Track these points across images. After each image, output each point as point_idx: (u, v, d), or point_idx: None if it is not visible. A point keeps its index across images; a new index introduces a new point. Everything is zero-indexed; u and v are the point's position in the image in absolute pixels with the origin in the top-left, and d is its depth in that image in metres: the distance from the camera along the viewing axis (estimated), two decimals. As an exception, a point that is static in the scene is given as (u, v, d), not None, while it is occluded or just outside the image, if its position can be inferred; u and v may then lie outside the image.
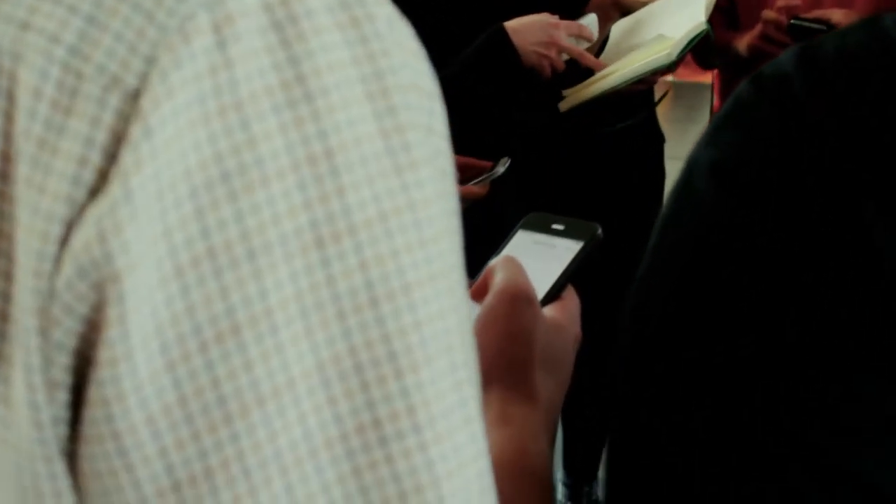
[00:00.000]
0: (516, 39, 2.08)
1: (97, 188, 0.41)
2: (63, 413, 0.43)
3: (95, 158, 0.41)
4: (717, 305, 0.50)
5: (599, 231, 0.89)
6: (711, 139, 0.53)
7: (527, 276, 0.80)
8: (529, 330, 0.78)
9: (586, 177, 2.33)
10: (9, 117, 0.42)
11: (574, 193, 2.25)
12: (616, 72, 2.13)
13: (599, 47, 2.28)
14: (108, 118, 0.41)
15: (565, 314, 0.84)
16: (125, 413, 0.42)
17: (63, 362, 0.42)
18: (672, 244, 0.53)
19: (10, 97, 0.42)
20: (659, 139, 2.53)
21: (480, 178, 1.97)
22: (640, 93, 2.28)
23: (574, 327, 0.84)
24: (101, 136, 0.41)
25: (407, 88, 0.45)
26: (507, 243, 0.91)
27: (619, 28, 2.27)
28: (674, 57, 2.06)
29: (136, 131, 0.41)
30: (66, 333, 0.42)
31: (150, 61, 0.41)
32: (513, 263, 0.81)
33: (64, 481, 0.43)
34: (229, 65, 0.42)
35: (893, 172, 0.47)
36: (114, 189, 0.41)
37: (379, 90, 0.45)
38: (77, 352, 0.42)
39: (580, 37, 2.15)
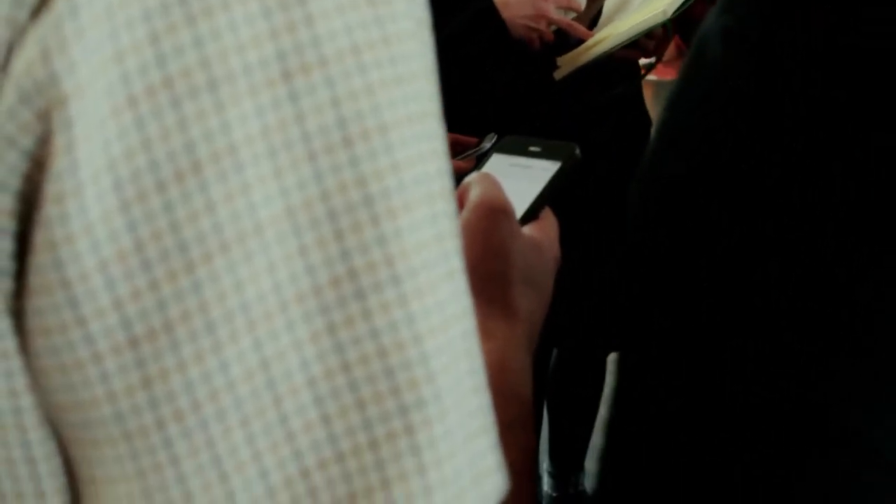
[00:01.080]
0: (506, 13, 2.07)
1: (40, 7, 0.38)
2: (7, 264, 0.39)
3: None
4: (737, 170, 0.47)
5: (577, 151, 0.86)
6: (723, 8, 0.51)
7: (502, 191, 0.77)
8: (507, 244, 0.76)
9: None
10: None
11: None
12: (611, 35, 2.11)
13: (592, 21, 2.26)
14: None
15: (544, 233, 0.81)
16: (75, 257, 0.38)
17: (6, 205, 0.39)
18: (685, 111, 0.50)
19: None
20: (646, 118, 2.51)
21: (466, 154, 1.95)
22: (627, 65, 2.26)
23: (553, 247, 0.81)
24: None
25: None
26: (482, 166, 0.89)
27: (611, 1, 2.25)
28: (669, 14, 2.04)
29: None
30: (10, 171, 0.38)
31: None
32: (489, 178, 0.78)
33: (9, 341, 0.40)
34: None
35: None
36: (58, 4, 0.37)
37: None
38: (21, 195, 0.39)
39: (569, 8, 2.14)
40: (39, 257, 0.39)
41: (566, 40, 2.15)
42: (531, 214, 0.84)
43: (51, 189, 0.38)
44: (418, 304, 0.42)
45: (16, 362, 0.40)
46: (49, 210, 0.38)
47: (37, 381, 0.41)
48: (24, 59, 0.37)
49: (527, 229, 0.81)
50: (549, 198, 0.85)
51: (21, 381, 0.40)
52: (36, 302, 0.39)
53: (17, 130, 0.38)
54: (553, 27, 2.11)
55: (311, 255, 0.40)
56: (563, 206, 0.89)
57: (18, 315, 0.40)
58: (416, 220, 0.42)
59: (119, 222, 0.39)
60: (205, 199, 0.39)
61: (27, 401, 0.41)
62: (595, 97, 2.25)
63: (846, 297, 0.45)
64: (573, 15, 2.15)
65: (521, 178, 0.86)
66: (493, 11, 2.06)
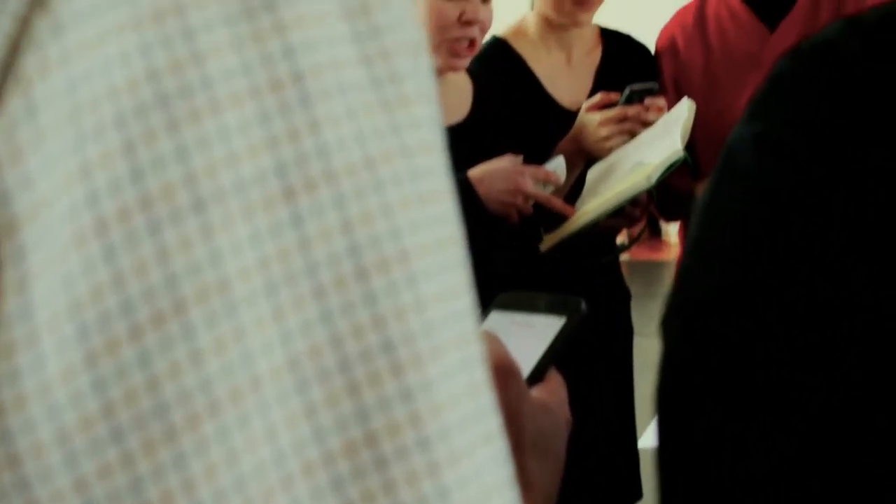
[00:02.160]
0: (481, 189, 2.04)
1: None
2: None
3: None
4: (782, 282, 0.43)
5: (583, 305, 0.81)
6: (752, 115, 0.47)
7: (506, 349, 0.70)
8: (517, 408, 0.68)
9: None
10: None
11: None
12: (596, 205, 2.08)
13: (573, 192, 2.24)
14: (5, 25, 0.31)
15: (553, 395, 0.74)
16: (26, 427, 0.31)
17: None
18: (719, 227, 0.46)
19: None
20: (625, 292, 2.48)
21: None
22: (607, 238, 2.25)
23: (563, 409, 0.74)
24: None
25: (391, 5, 0.36)
26: (480, 324, 0.82)
27: (594, 172, 2.24)
28: (653, 181, 2.02)
29: (41, 26, 0.31)
30: None
31: None
32: (492, 337, 0.72)
33: None
34: None
35: None
36: (11, 102, 0.30)
37: (359, 6, 0.35)
38: None
39: (547, 181, 2.11)
40: None
41: (549, 210, 2.12)
42: (537, 375, 0.78)
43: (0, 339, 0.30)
44: (453, 474, 0.34)
45: None
46: None
47: None
48: None
49: (534, 391, 0.75)
50: (554, 357, 0.79)
51: None
52: None
53: None
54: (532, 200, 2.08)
55: (320, 416, 0.33)
56: (568, 365, 0.82)
57: None
58: (447, 369, 0.35)
59: (84, 381, 0.31)
60: (190, 350, 0.32)
61: None
62: (578, 267, 2.21)
63: None
64: (552, 188, 2.12)
65: (524, 337, 0.81)
66: (468, 186, 2.03)
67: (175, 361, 0.31)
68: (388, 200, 0.34)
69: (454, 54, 2.02)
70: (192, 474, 0.31)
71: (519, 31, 2.39)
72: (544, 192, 2.10)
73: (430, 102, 0.37)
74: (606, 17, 2.43)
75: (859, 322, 0.41)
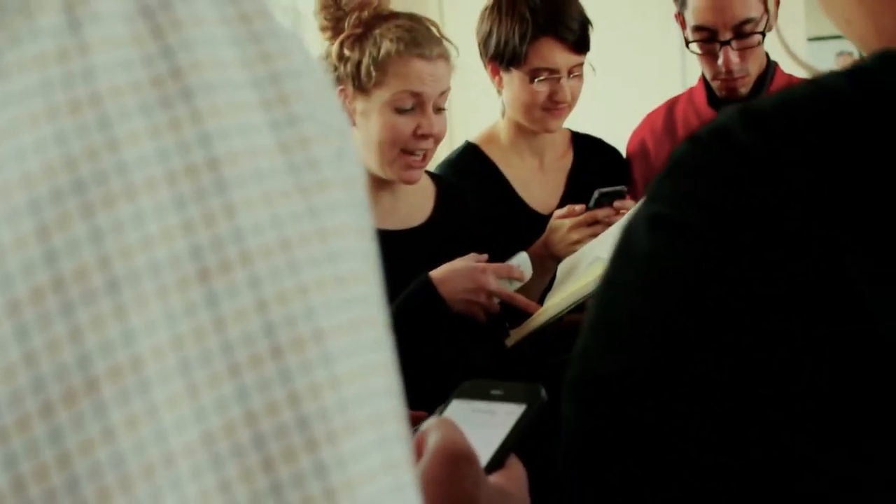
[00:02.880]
0: (443, 289, 2.03)
1: None
2: None
3: None
4: (677, 364, 0.44)
5: (543, 393, 0.81)
6: (649, 198, 0.48)
7: (463, 435, 0.71)
8: (472, 494, 0.69)
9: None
10: None
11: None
12: (558, 301, 2.09)
13: (546, 289, 2.24)
14: None
15: (512, 482, 0.74)
16: None
17: None
18: (616, 307, 0.47)
19: None
20: None
21: (414, 430, 1.88)
22: (574, 330, 2.24)
23: (522, 495, 0.74)
24: None
25: (310, 96, 0.37)
26: (440, 413, 0.83)
27: (562, 268, 2.24)
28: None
29: None
30: None
31: None
32: (448, 423, 0.72)
33: None
34: (84, 50, 0.34)
35: (868, 215, 0.43)
36: None
37: (276, 97, 0.37)
38: None
39: (511, 278, 2.11)
40: None
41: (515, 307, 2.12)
42: (496, 463, 0.78)
43: None
44: None
45: None
46: None
47: None
48: None
49: (493, 478, 0.75)
50: (514, 444, 0.79)
51: None
52: None
53: None
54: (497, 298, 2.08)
55: (235, 492, 0.33)
56: (530, 453, 0.83)
57: None
58: (361, 445, 0.35)
59: None
60: (101, 426, 0.32)
61: None
62: (544, 362, 2.20)
63: None
64: (518, 284, 2.12)
65: (484, 425, 0.81)
66: (430, 287, 2.03)
67: (87, 438, 0.32)
68: (304, 281, 0.35)
69: (407, 167, 2.03)
70: None
71: (491, 137, 2.42)
72: (507, 290, 2.08)
73: (351, 187, 0.38)
74: (577, 122, 2.47)
75: (761, 387, 0.41)
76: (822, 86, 0.47)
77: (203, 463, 0.33)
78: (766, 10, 2.29)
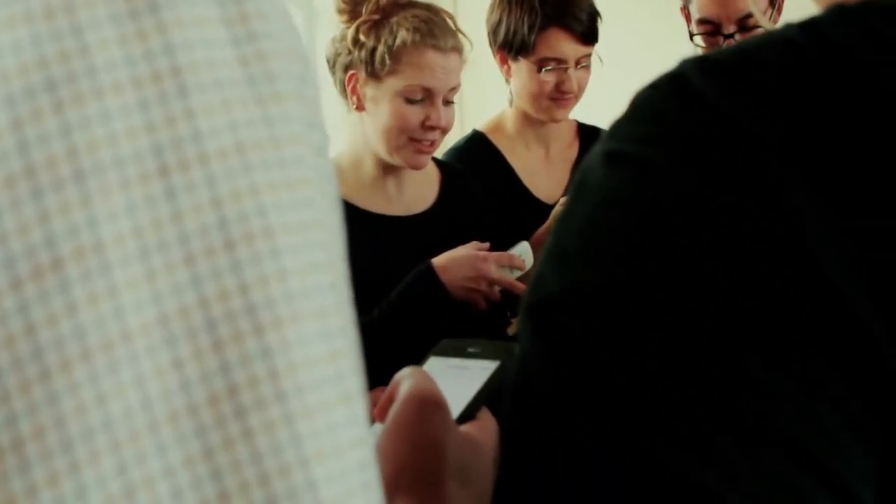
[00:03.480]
0: (445, 277, 2.05)
1: None
2: None
3: None
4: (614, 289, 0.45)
5: (516, 349, 0.84)
6: (607, 137, 0.50)
7: (434, 383, 0.73)
8: (440, 438, 0.71)
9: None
10: None
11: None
12: None
13: None
14: None
15: (482, 432, 0.77)
16: None
17: None
18: (567, 234, 0.48)
19: None
20: None
21: None
22: None
23: (491, 446, 0.77)
24: None
25: (270, 18, 0.41)
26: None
27: None
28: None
29: None
30: None
31: None
32: (420, 372, 0.75)
33: None
34: None
35: (819, 162, 0.44)
36: None
37: (237, 15, 0.40)
38: None
39: (512, 266, 2.13)
40: None
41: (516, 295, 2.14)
42: (469, 414, 0.80)
43: None
44: (306, 425, 0.38)
45: None
46: None
47: None
48: None
49: (464, 428, 0.77)
50: (487, 397, 0.82)
51: None
52: None
53: None
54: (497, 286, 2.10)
55: (186, 369, 0.37)
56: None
57: None
58: (305, 333, 0.38)
59: None
60: (65, 301, 0.36)
61: None
62: None
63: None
64: (518, 273, 2.14)
65: (458, 379, 0.83)
66: (432, 274, 2.05)
67: (51, 312, 0.35)
68: (256, 182, 0.38)
69: (417, 151, 2.05)
70: (63, 412, 0.35)
71: (498, 126, 2.44)
72: (508, 277, 2.10)
73: (307, 105, 0.41)
74: (583, 112, 2.49)
75: (706, 307, 0.43)
76: (777, 37, 0.48)
77: (158, 341, 0.37)
78: (771, 4, 2.31)
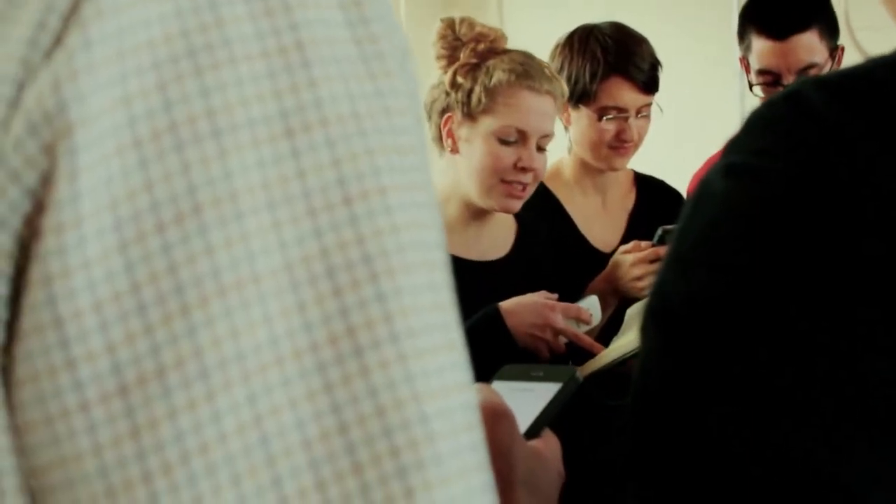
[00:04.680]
0: (510, 321, 2.04)
1: (53, 46, 0.40)
2: (0, 311, 0.39)
3: (54, 23, 0.40)
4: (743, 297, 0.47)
5: (578, 373, 0.88)
6: (725, 153, 0.52)
7: (501, 397, 0.77)
8: (508, 446, 0.75)
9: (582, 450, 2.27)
10: None
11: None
12: (623, 344, 2.10)
13: (608, 330, 2.26)
14: None
15: (547, 448, 0.80)
16: (69, 294, 0.39)
17: (5, 245, 0.39)
18: (688, 242, 0.51)
19: None
20: None
21: None
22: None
23: (556, 461, 0.80)
24: (62, 4, 0.40)
25: (377, 3, 0.45)
26: None
27: (631, 312, 2.24)
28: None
29: None
30: (10, 208, 0.39)
31: None
32: (486, 387, 0.78)
33: None
34: None
35: None
36: (71, 38, 0.39)
37: (351, 2, 0.44)
38: (19, 237, 0.39)
39: (579, 319, 2.12)
40: (33, 295, 0.39)
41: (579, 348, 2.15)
42: (533, 432, 0.84)
43: (50, 220, 0.39)
44: (417, 364, 0.41)
45: (0, 417, 0.39)
46: (47, 242, 0.39)
47: (19, 442, 0.40)
48: (35, 92, 0.39)
49: (529, 443, 0.81)
50: (550, 416, 0.86)
51: (3, 440, 0.39)
52: (26, 346, 0.39)
53: (22, 164, 0.39)
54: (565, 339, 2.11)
55: (308, 312, 0.40)
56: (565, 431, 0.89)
57: (6, 370, 0.40)
58: (415, 283, 0.42)
59: (116, 262, 0.39)
60: (204, 243, 0.39)
61: (8, 463, 0.40)
62: (604, 403, 2.22)
63: None
64: (585, 328, 2.13)
65: (523, 401, 0.87)
66: (498, 317, 2.04)
67: (191, 252, 0.39)
68: (371, 145, 0.42)
69: (508, 195, 2.07)
70: (201, 343, 0.39)
71: (555, 172, 2.45)
72: (574, 329, 2.08)
73: (408, 80, 0.45)
74: (641, 163, 2.52)
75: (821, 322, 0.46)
76: (880, 61, 0.51)
77: (284, 285, 0.40)
78: (831, 56, 2.34)
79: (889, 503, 0.44)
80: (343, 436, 0.40)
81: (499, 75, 2.03)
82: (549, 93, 2.06)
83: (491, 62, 2.04)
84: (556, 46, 2.40)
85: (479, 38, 2.05)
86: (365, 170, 0.42)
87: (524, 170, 2.05)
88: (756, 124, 0.52)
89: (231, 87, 0.41)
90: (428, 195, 0.44)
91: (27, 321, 0.39)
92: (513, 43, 2.13)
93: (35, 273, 0.39)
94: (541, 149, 2.08)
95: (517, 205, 2.10)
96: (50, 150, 0.39)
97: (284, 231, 0.41)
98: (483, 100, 2.03)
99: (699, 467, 0.46)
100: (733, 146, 0.52)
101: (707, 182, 0.51)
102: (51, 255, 0.39)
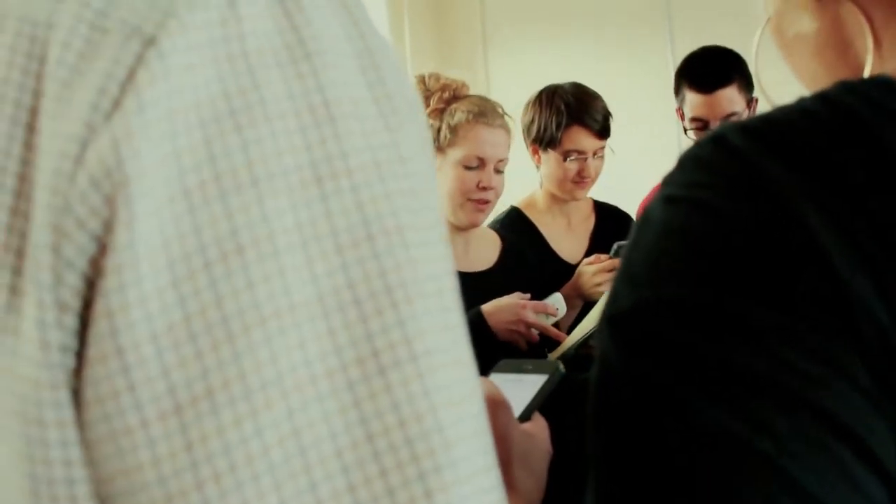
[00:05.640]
0: (491, 321, 2.03)
1: (113, 109, 0.36)
2: (70, 341, 0.35)
3: (113, 89, 0.36)
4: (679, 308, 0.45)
5: (561, 366, 0.85)
6: (661, 186, 0.50)
7: (499, 389, 0.74)
8: (507, 431, 0.71)
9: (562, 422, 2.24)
10: (39, 77, 0.37)
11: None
12: (577, 330, 2.09)
13: (571, 325, 2.24)
14: (128, 59, 0.36)
15: (537, 428, 0.77)
16: (129, 326, 0.35)
17: (72, 283, 0.35)
18: (632, 261, 0.48)
19: (42, 60, 0.37)
20: None
21: None
22: None
23: (545, 440, 0.76)
24: (121, 72, 0.36)
25: (390, 64, 0.41)
26: None
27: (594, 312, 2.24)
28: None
29: (150, 55, 0.36)
30: (78, 251, 0.35)
31: (168, 13, 0.37)
32: (486, 380, 0.75)
33: (68, 411, 0.35)
34: (238, 20, 0.38)
35: (830, 186, 0.45)
36: (128, 102, 0.35)
37: (370, 64, 0.40)
38: (86, 276, 0.35)
39: (546, 313, 2.10)
40: (97, 327, 0.35)
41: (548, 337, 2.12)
42: (525, 416, 0.82)
43: (112, 261, 0.35)
44: (432, 379, 0.37)
45: (72, 433, 0.35)
46: (109, 280, 0.35)
47: (89, 455, 0.36)
48: (97, 150, 0.35)
49: (522, 426, 0.77)
50: (539, 403, 0.83)
51: (76, 453, 0.35)
52: (93, 372, 0.35)
53: (87, 213, 0.35)
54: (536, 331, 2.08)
55: (338, 336, 0.37)
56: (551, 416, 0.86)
57: (76, 392, 0.36)
58: (429, 307, 0.38)
59: (171, 297, 0.35)
60: (246, 278, 0.36)
61: (80, 473, 0.36)
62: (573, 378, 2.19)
63: None
64: (553, 319, 2.12)
65: (516, 389, 0.85)
66: (481, 318, 2.03)
67: (234, 286, 0.35)
68: (389, 190, 0.38)
69: (474, 210, 2.06)
70: (245, 367, 0.35)
71: (530, 202, 2.45)
72: (544, 322, 2.07)
73: (419, 129, 0.41)
74: (598, 193, 2.49)
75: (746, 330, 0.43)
76: (795, 106, 0.49)
77: (317, 313, 0.36)
78: (748, 106, 2.31)
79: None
80: (370, 444, 0.36)
81: (459, 115, 2.05)
82: (501, 126, 2.08)
83: (453, 105, 2.07)
84: (528, 103, 2.39)
85: (444, 88, 2.08)
86: (385, 211, 0.38)
87: (485, 189, 2.05)
88: (688, 162, 0.49)
89: (267, 140, 0.37)
90: (438, 231, 0.40)
91: (93, 350, 0.35)
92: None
93: (99, 307, 0.35)
94: (498, 171, 2.08)
95: (482, 217, 2.10)
96: (110, 201, 0.35)
97: (316, 266, 0.37)
98: (448, 135, 2.05)
99: (647, 457, 0.44)
100: (670, 180, 0.50)
101: (649, 210, 0.49)
102: (112, 292, 0.35)
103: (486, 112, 2.06)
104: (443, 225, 0.41)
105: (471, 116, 2.04)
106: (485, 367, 1.96)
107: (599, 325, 0.48)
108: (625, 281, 0.48)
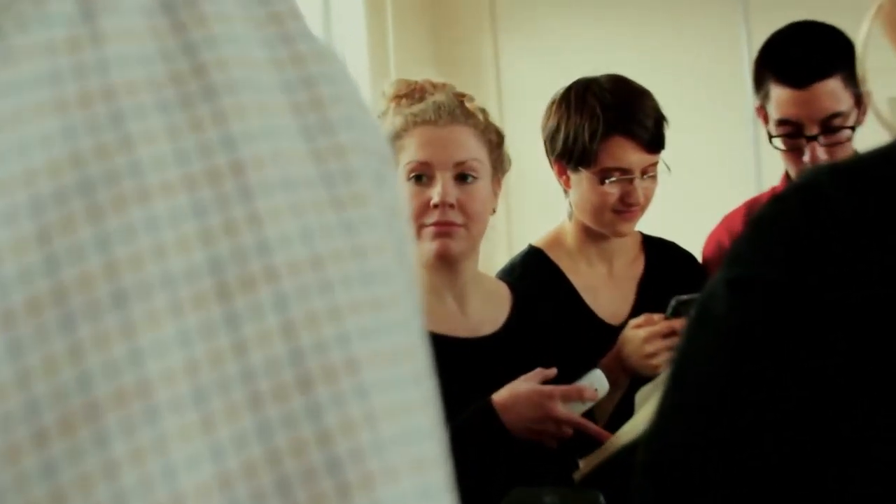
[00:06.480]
0: (506, 417, 1.99)
1: None
2: None
3: None
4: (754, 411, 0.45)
5: (601, 499, 0.81)
6: (727, 263, 0.49)
7: None
8: None
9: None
10: None
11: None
12: (631, 430, 2.04)
13: (620, 416, 2.20)
14: None
15: None
16: None
17: None
18: (688, 382, 0.48)
19: None
20: None
21: None
22: None
23: None
24: None
25: (349, 104, 0.36)
26: None
27: (641, 395, 2.19)
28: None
29: None
30: None
31: None
32: None
33: None
34: (98, 41, 0.33)
35: None
36: None
37: (308, 100, 0.36)
38: None
39: (580, 399, 2.06)
40: None
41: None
42: None
43: None
44: None
45: None
46: None
47: None
48: None
49: None
50: None
51: None
52: None
53: None
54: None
55: None
56: None
57: None
58: (401, 494, 0.33)
59: None
60: (102, 461, 0.30)
61: None
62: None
63: None
64: (590, 404, 2.07)
65: None
66: (492, 414, 1.99)
67: (84, 474, 0.30)
68: (337, 302, 0.34)
69: (435, 237, 2.03)
70: None
71: (556, 240, 2.41)
72: (577, 416, 2.04)
73: (387, 199, 0.37)
74: (649, 225, 2.46)
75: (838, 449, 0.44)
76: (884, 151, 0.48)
77: None
78: (857, 104, 2.28)
79: None
80: None
81: (397, 120, 2.06)
82: (454, 122, 2.06)
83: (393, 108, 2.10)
84: (552, 103, 2.36)
85: (410, 93, 2.10)
86: (328, 337, 0.33)
87: (442, 206, 2.02)
88: (762, 225, 0.49)
89: (141, 232, 0.32)
90: (417, 361, 0.35)
91: None
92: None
93: None
94: (463, 177, 2.05)
95: (450, 244, 2.05)
96: None
97: (218, 431, 0.32)
98: (392, 147, 2.07)
99: None
100: (736, 253, 0.49)
101: (709, 297, 0.49)
102: None
103: (426, 109, 2.06)
104: (425, 346, 0.36)
105: (409, 118, 2.05)
106: (492, 477, 1.92)
107: (635, 474, 0.48)
108: (670, 415, 0.48)
